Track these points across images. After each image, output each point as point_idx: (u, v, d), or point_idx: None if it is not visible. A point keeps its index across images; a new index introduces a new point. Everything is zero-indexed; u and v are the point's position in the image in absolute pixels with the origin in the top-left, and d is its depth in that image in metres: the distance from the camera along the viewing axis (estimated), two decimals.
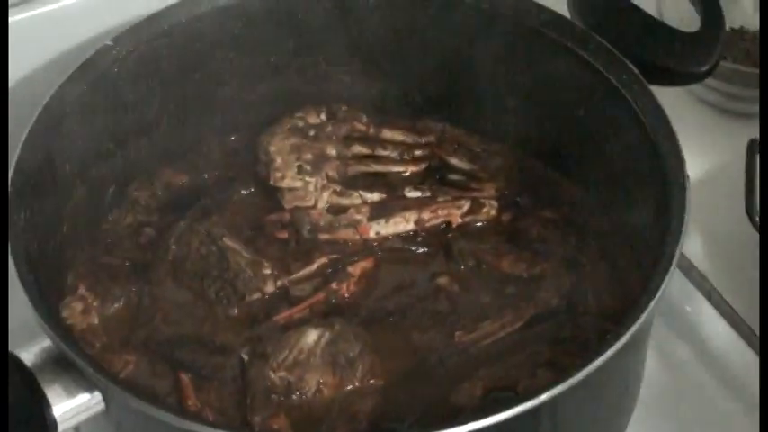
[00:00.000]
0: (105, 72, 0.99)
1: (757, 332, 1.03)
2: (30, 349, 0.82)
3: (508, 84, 1.05)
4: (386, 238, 1.01)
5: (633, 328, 0.81)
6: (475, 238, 1.01)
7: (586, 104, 1.00)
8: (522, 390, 0.89)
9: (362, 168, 1.06)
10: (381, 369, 0.92)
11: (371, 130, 1.09)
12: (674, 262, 0.84)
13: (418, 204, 1.02)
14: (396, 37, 1.08)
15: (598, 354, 0.80)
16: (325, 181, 1.03)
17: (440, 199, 1.03)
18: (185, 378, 0.90)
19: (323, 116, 1.08)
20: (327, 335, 0.91)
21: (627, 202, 0.97)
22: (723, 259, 1.09)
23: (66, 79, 0.97)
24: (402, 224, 1.01)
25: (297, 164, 1.03)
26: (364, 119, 1.09)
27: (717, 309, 1.06)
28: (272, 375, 0.90)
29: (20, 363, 0.80)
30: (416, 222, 1.01)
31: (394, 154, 1.07)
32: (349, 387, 0.90)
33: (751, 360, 1.03)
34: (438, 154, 1.08)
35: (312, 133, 1.06)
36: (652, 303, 0.82)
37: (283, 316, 0.95)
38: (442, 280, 0.98)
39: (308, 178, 1.02)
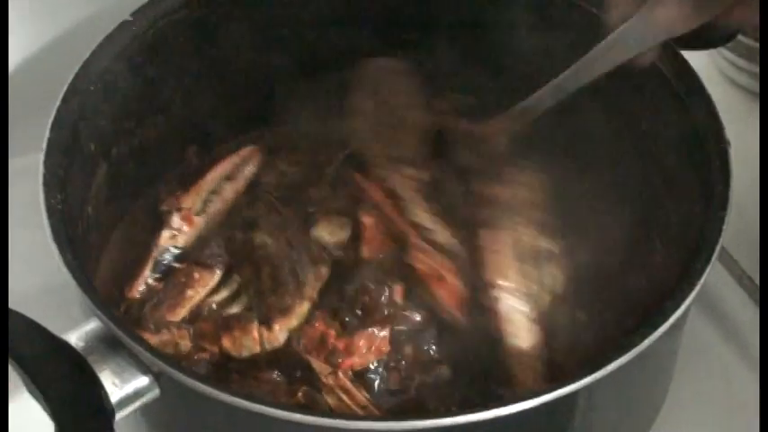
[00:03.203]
0: (125, 48, 0.97)
1: None
2: (76, 333, 0.79)
3: (538, 54, 1.03)
4: None
5: (676, 315, 0.80)
6: None
7: (614, 71, 0.99)
8: None
9: None
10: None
11: None
12: (724, 227, 0.84)
13: None
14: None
15: (637, 342, 0.79)
16: None
17: None
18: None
19: None
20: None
21: (668, 171, 0.96)
22: (755, 244, 1.07)
23: (89, 56, 0.95)
24: None
25: None
26: None
27: (748, 294, 1.06)
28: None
29: (69, 348, 0.78)
30: None
31: None
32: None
33: None
34: None
35: None
36: (699, 283, 0.82)
37: None
38: None
39: None
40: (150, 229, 1.00)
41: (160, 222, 0.99)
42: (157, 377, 0.79)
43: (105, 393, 0.77)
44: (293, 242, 0.95)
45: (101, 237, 0.99)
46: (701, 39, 0.99)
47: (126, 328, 0.79)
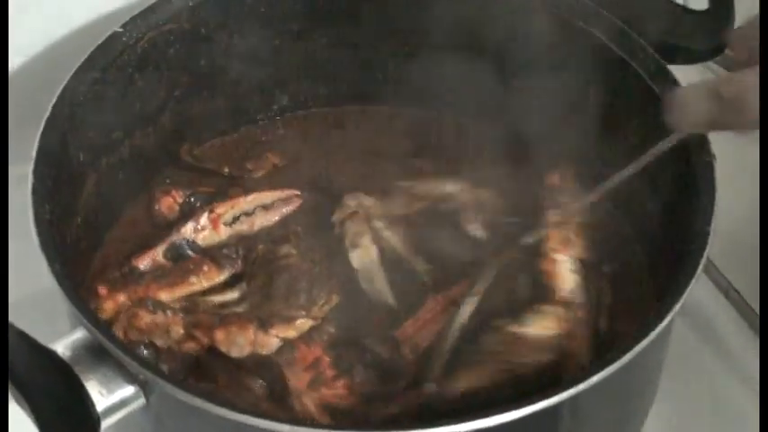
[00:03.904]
0: (115, 59, 0.98)
1: None
2: (63, 342, 0.80)
3: (520, 69, 1.04)
4: None
5: (660, 328, 0.81)
6: None
7: (599, 85, 1.00)
8: None
9: None
10: None
11: None
12: (709, 240, 0.85)
13: None
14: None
15: (621, 354, 0.79)
16: None
17: None
18: None
19: None
20: None
21: (652, 186, 0.96)
22: (742, 257, 1.09)
23: (79, 66, 0.95)
24: None
25: None
26: None
27: (734, 306, 1.07)
28: None
29: (56, 357, 0.79)
30: None
31: None
32: None
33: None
34: None
35: None
36: (683, 297, 0.82)
37: None
38: None
39: None
40: (147, 229, 1.02)
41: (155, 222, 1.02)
42: (143, 386, 0.79)
43: (91, 402, 0.77)
44: (317, 262, 0.97)
45: (92, 243, 1.00)
46: (689, 53, 1.00)
47: (113, 337, 0.80)
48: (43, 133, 0.90)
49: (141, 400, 0.79)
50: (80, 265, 0.96)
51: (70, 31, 1.06)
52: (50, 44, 1.06)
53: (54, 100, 0.92)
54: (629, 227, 1.01)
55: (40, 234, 0.84)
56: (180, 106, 1.06)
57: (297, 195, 1.04)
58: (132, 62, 0.99)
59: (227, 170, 1.06)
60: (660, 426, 0.98)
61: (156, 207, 1.02)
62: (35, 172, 0.88)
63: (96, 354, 0.79)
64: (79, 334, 0.80)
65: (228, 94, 1.09)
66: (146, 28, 1.00)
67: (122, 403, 0.79)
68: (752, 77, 0.79)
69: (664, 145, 0.89)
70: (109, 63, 0.97)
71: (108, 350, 0.78)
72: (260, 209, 1.02)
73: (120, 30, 0.98)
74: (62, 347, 0.79)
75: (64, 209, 0.92)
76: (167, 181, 1.05)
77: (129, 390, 0.79)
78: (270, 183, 1.05)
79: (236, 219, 1.01)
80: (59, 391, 0.77)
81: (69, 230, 0.94)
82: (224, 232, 1.00)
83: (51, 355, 0.78)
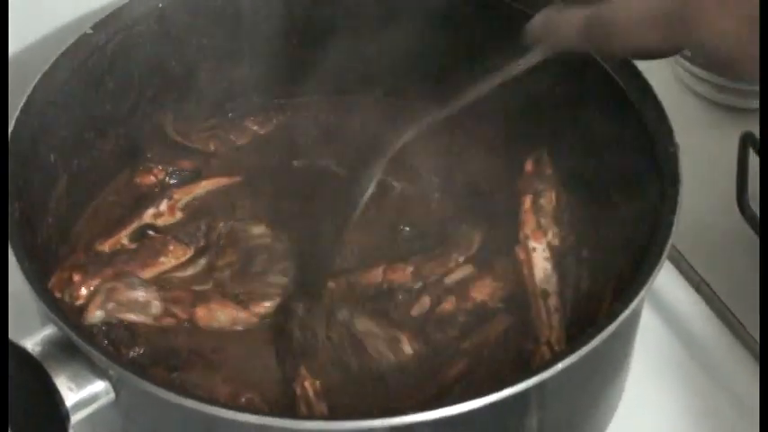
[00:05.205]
0: (85, 60, 0.98)
1: (744, 324, 1.04)
2: (32, 338, 0.80)
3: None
4: None
5: (623, 315, 0.81)
6: None
7: (566, 80, 1.00)
8: None
9: None
10: None
11: None
12: (673, 229, 0.85)
13: None
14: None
15: (585, 342, 0.79)
16: None
17: None
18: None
19: None
20: None
21: (621, 175, 0.97)
22: (712, 251, 1.09)
23: (49, 68, 0.96)
24: None
25: None
26: None
27: (705, 300, 1.07)
28: None
29: (25, 353, 0.79)
30: None
31: None
32: None
33: (738, 352, 1.03)
34: None
35: None
36: (647, 285, 0.82)
37: None
38: None
39: None
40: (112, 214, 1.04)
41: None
42: (113, 381, 0.80)
43: (60, 397, 0.78)
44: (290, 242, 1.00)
45: (63, 241, 1.00)
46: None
47: (83, 333, 0.80)
48: (13, 133, 0.91)
49: (111, 395, 0.80)
50: (50, 263, 0.96)
51: (40, 34, 1.06)
52: (20, 46, 1.06)
53: (24, 100, 0.93)
54: (603, 216, 1.01)
55: (11, 232, 0.84)
56: (151, 107, 1.06)
57: (241, 182, 1.07)
58: (102, 63, 1.00)
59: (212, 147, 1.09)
60: (631, 414, 0.98)
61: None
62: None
63: (66, 349, 0.80)
64: (49, 330, 0.81)
65: (200, 96, 1.09)
66: (115, 29, 1.00)
67: (92, 398, 0.79)
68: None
69: (525, 62, 0.89)
70: (79, 64, 0.97)
71: (77, 346, 0.79)
72: (209, 193, 1.06)
73: (90, 31, 0.99)
74: (32, 343, 0.80)
75: (35, 208, 0.92)
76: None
77: (98, 385, 0.79)
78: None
79: (187, 204, 1.04)
80: (28, 387, 0.78)
81: (40, 230, 0.94)
82: (180, 216, 1.03)
83: (20, 350, 0.78)
